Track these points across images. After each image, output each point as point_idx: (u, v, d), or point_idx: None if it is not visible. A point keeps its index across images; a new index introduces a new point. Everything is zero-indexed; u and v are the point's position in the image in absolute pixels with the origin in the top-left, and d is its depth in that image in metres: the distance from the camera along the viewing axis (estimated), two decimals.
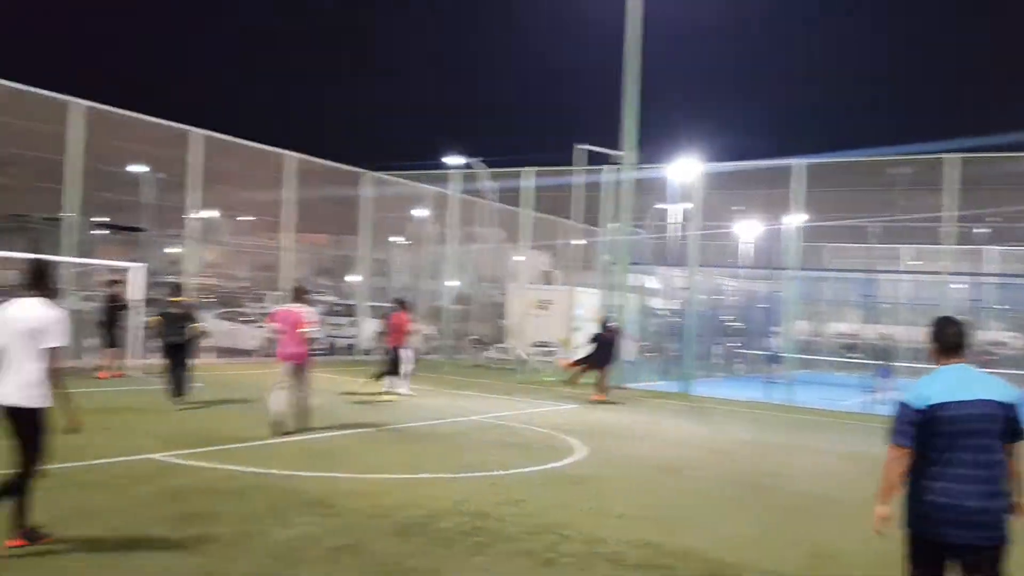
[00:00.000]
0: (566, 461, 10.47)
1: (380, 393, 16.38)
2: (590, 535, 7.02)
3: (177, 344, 13.30)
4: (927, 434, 4.17)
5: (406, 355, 16.85)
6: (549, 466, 10.05)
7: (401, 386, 16.63)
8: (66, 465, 8.39)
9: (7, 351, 5.68)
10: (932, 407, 4.16)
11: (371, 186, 27.33)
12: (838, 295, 30.50)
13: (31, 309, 5.74)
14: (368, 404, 15.13)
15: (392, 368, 16.70)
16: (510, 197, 27.98)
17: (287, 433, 10.94)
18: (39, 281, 5.94)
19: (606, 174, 23.97)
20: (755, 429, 14.86)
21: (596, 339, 18.45)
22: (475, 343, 27.50)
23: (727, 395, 20.44)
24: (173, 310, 13.80)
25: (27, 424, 5.70)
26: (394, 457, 10.09)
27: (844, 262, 29.84)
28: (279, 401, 11.20)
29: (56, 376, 5.71)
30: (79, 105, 18.97)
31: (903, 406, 4.26)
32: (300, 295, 12.04)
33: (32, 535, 5.78)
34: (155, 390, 13.67)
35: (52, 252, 22.26)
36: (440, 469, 9.47)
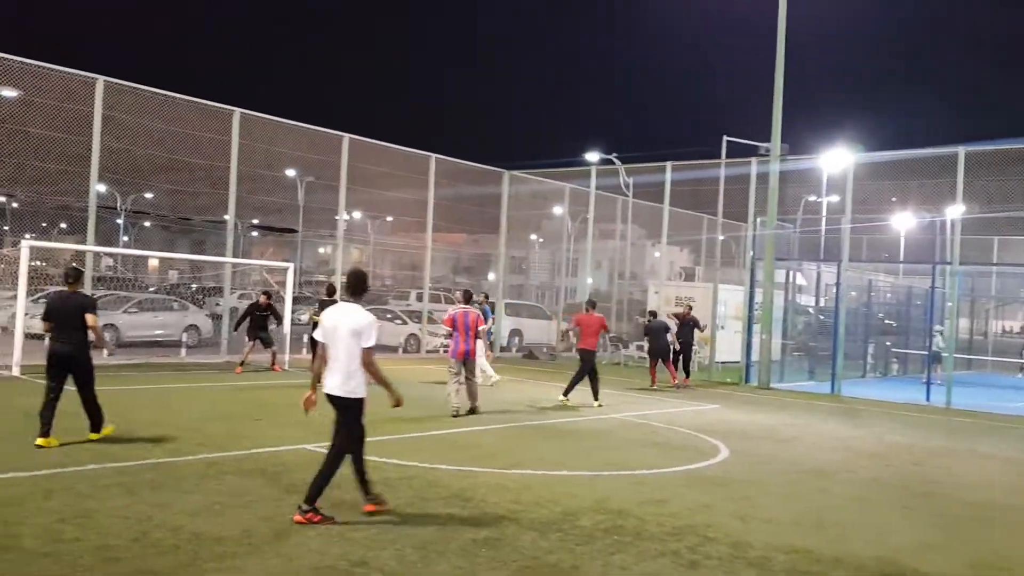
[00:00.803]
0: (710, 462, 10.20)
1: (589, 406, 14.69)
2: (736, 538, 6.80)
3: None
4: None
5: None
6: (692, 467, 9.82)
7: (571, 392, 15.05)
8: (226, 454, 8.88)
9: (332, 349, 6.66)
10: None
11: (510, 184, 27.57)
12: (1006, 291, 28.50)
13: (353, 313, 6.70)
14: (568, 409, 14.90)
15: (590, 375, 15.06)
16: (650, 192, 27.60)
17: (458, 415, 12.47)
18: (358, 288, 6.96)
19: (752, 166, 23.26)
20: (912, 432, 14.05)
21: (646, 330, 19.78)
22: (614, 341, 27.30)
23: (882, 396, 19.44)
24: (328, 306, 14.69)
25: (348, 411, 6.80)
26: (535, 453, 10.11)
27: (1011, 256, 27.86)
28: (456, 392, 12.79)
29: (372, 369, 6.72)
30: (239, 114, 20.02)
31: None
32: (468, 298, 13.79)
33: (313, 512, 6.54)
34: (294, 383, 14.21)
35: (214, 253, 23.75)
36: (581, 466, 9.42)
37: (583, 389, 15.08)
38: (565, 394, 14.89)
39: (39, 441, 8.57)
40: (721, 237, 28.88)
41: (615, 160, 29.85)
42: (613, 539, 6.57)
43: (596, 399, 14.89)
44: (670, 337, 19.13)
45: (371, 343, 6.70)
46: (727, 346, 24.79)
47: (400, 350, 24.22)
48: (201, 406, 12.31)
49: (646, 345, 20.10)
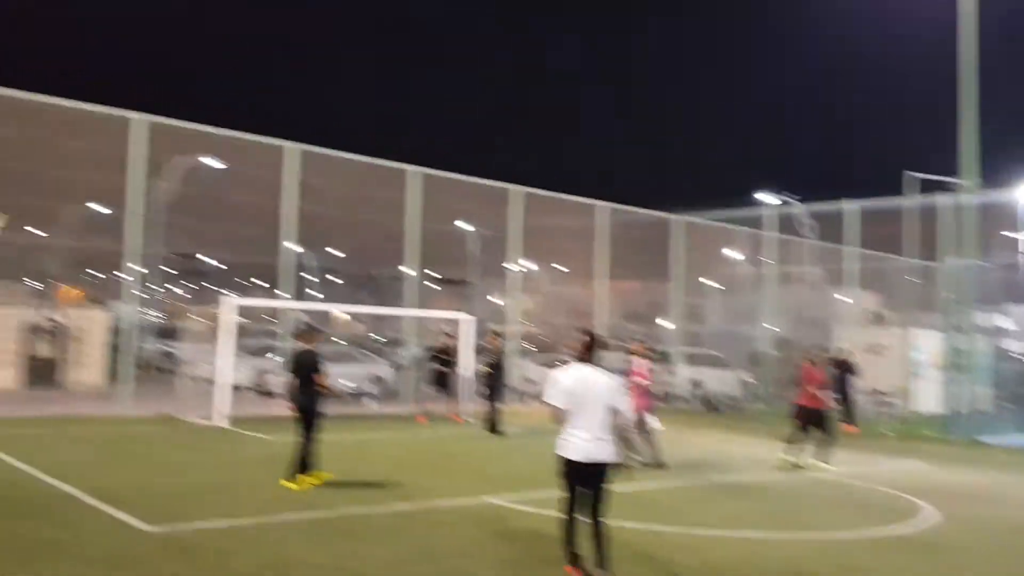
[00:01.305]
0: (913, 524, 9.47)
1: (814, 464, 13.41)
2: None
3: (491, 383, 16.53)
4: None
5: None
6: (893, 529, 9.15)
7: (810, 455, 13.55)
8: (414, 505, 9.11)
9: (583, 413, 6.44)
10: None
11: (682, 230, 27.19)
12: None
13: (599, 376, 6.53)
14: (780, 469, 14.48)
15: (823, 431, 13.60)
16: (831, 233, 26.46)
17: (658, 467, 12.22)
18: (596, 350, 6.74)
19: (942, 200, 21.87)
20: None
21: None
22: None
23: None
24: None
25: (604, 475, 6.49)
26: (720, 511, 9.75)
27: None
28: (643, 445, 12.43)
29: (624, 432, 6.65)
30: (415, 172, 20.93)
31: None
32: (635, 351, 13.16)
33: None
34: (484, 434, 14.45)
35: (395, 305, 24.72)
36: (769, 526, 8.99)
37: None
38: (821, 460, 13.36)
39: (311, 479, 9.72)
40: (915, 280, 27.21)
41: (791, 200, 28.89)
42: None
43: (819, 460, 13.43)
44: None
45: (621, 406, 6.61)
46: (925, 396, 23.17)
47: None
48: (388, 457, 12.70)
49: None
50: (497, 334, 18.35)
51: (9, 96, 15.81)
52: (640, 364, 12.78)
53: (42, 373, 19.55)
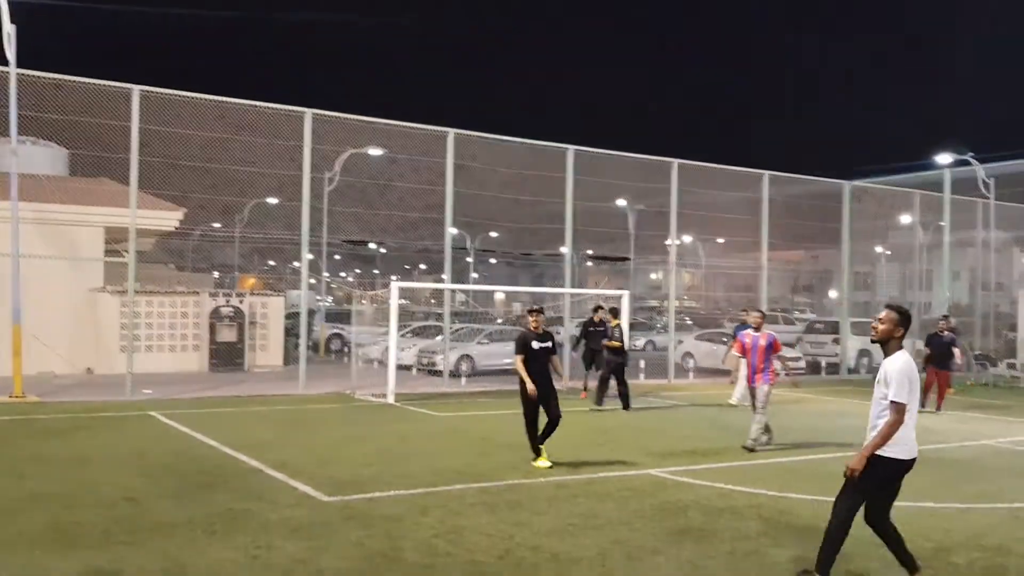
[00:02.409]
0: None
1: None
2: None
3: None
4: None
5: None
6: None
7: None
8: (575, 477, 9.26)
9: (912, 404, 5.55)
10: None
11: (851, 196, 25.97)
12: None
13: (891, 361, 5.55)
14: None
15: None
16: (1016, 192, 24.56)
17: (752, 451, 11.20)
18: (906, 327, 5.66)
19: None
20: None
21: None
22: (979, 359, 24.50)
23: None
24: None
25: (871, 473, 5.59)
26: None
27: None
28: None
29: (891, 429, 5.45)
30: (572, 151, 21.00)
31: None
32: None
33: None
34: (639, 408, 14.40)
35: (553, 284, 25.02)
36: (949, 498, 8.56)
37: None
38: None
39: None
40: None
41: (971, 159, 26.99)
42: None
43: None
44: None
45: (894, 396, 5.43)
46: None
47: (731, 374, 23.69)
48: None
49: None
50: (599, 308, 17.45)
51: (189, 98, 17.03)
52: (751, 334, 11.71)
53: (225, 356, 21.00)
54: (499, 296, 47.69)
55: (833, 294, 30.26)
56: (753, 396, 11.59)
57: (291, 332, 23.31)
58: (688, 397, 17.55)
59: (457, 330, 23.21)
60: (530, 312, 10.26)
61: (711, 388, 20.24)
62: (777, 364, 11.68)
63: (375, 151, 20.26)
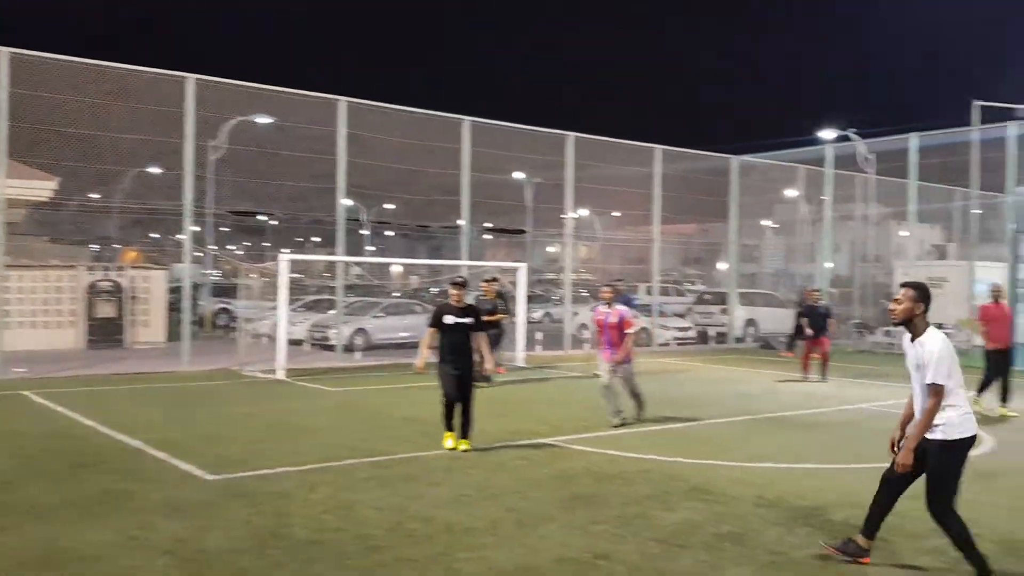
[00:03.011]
0: (973, 453, 9.30)
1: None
2: (1006, 534, 6.20)
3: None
4: None
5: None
6: None
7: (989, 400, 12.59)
8: (470, 448, 9.24)
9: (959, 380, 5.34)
10: None
11: (738, 170, 26.69)
12: None
13: (924, 342, 5.31)
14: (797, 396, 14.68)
15: (989, 377, 12.55)
16: (894, 168, 25.71)
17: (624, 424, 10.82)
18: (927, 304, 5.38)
19: (1009, 129, 21.01)
20: None
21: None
22: (858, 327, 25.70)
23: None
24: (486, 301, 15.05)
25: (932, 458, 5.37)
26: (777, 446, 9.71)
27: None
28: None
29: (929, 415, 5.25)
30: (468, 122, 20.84)
31: None
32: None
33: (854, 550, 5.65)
34: (538, 380, 14.50)
35: (451, 257, 24.89)
36: (827, 459, 8.93)
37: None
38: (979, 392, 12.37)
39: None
40: (977, 211, 26.37)
41: (852, 136, 28.09)
42: None
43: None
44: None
45: (932, 379, 5.22)
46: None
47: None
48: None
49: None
50: (494, 279, 16.11)
51: (64, 62, 16.09)
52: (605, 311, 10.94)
53: (104, 333, 20.09)
54: (396, 269, 47.24)
55: (722, 266, 31.14)
56: (615, 372, 10.79)
57: (175, 307, 22.49)
58: (584, 368, 17.77)
59: (352, 304, 22.85)
60: (452, 284, 9.48)
61: None
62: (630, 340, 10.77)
63: (263, 119, 19.63)
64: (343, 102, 19.15)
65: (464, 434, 9.09)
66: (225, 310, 26.72)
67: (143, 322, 21.02)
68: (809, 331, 16.61)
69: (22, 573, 5.22)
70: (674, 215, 26.26)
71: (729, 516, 6.67)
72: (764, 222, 32.92)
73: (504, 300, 16.46)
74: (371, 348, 21.12)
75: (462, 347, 9.06)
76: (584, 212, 31.58)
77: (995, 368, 12.50)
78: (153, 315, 21.31)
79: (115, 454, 8.69)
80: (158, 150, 18.24)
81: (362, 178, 20.22)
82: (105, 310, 20.15)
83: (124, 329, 20.36)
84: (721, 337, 26.07)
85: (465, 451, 8.93)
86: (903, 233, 27.92)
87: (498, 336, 15.47)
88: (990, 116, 25.25)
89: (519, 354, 19.00)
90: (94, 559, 5.47)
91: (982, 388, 12.47)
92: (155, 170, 20.64)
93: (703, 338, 25.90)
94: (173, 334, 20.71)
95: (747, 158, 27.06)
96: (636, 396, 11.02)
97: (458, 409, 9.09)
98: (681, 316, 26.89)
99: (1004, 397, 12.52)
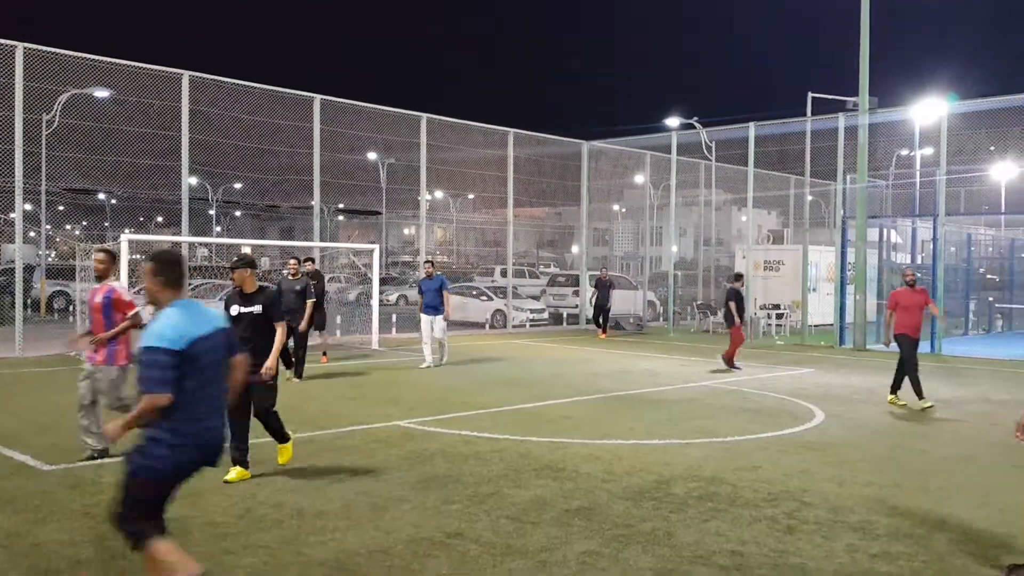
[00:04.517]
0: (804, 427, 10.00)
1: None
2: (835, 503, 6.67)
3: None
4: None
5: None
6: (786, 432, 9.65)
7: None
8: (323, 432, 9.14)
9: None
10: None
11: (589, 155, 27.35)
12: None
13: None
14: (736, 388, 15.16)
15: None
16: (734, 155, 27.03)
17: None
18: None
19: (840, 120, 22.46)
20: (1020, 390, 13.49)
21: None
22: (701, 308, 26.96)
23: (985, 354, 18.73)
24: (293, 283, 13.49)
25: None
26: (624, 423, 10.08)
27: None
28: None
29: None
30: (320, 100, 20.39)
31: None
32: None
33: None
34: (384, 362, 14.49)
35: (303, 238, 24.36)
36: (671, 435, 9.36)
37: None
38: (893, 391, 11.84)
39: None
40: (810, 197, 28.10)
41: (695, 123, 29.31)
42: (707, 506, 6.52)
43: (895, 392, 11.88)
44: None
45: None
46: (820, 309, 24.22)
47: (487, 326, 24.44)
48: (295, 389, 12.63)
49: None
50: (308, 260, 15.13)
51: None
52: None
53: None
54: (245, 250, 45.74)
55: (575, 249, 31.86)
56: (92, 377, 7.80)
57: (6, 290, 21.00)
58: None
59: (197, 287, 22.03)
60: (232, 267, 7.44)
61: (461, 340, 20.69)
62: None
63: (100, 92, 18.54)
64: (186, 76, 18.36)
65: (282, 438, 7.54)
66: (63, 293, 25.20)
67: None
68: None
69: None
70: (528, 198, 26.68)
71: (578, 492, 6.90)
72: (615, 206, 33.92)
73: (319, 282, 14.83)
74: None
75: (258, 344, 6.98)
76: (439, 194, 31.57)
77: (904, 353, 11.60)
78: None
79: None
80: None
81: (208, 156, 19.47)
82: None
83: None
84: (574, 318, 26.73)
85: (283, 464, 7.51)
86: (743, 218, 29.39)
87: (321, 322, 14.60)
88: (825, 108, 26.92)
89: (373, 336, 18.87)
90: None
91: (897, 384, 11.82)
92: None
93: (557, 319, 26.49)
94: (3, 318, 19.36)
95: (597, 143, 27.75)
96: (122, 407, 7.41)
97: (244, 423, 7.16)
98: (535, 298, 27.39)
99: (894, 387, 11.82)
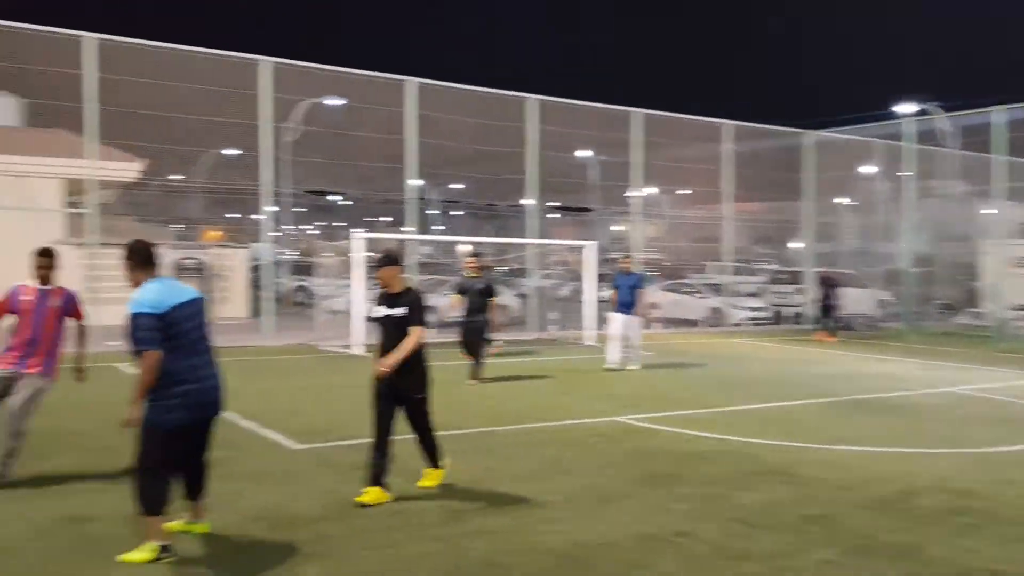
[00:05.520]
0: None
1: None
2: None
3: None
4: None
5: None
6: None
7: None
8: (544, 424, 9.28)
9: None
10: None
11: (813, 146, 26.07)
12: None
13: None
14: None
15: None
16: (978, 142, 24.80)
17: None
18: None
19: None
20: None
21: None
22: (941, 308, 24.95)
23: None
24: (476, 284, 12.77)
25: None
26: (860, 429, 9.49)
27: None
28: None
29: None
30: (534, 100, 20.77)
31: None
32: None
33: None
34: (598, 358, 14.36)
35: (516, 236, 24.92)
36: (913, 443, 8.70)
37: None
38: None
39: None
40: None
41: (930, 109, 27.14)
42: (959, 520, 5.99)
43: None
44: None
45: None
46: None
47: (703, 324, 23.89)
48: (514, 381, 12.90)
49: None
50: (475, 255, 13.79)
51: (146, 47, 16.53)
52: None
53: None
54: (463, 248, 47.48)
55: (796, 245, 30.50)
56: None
57: (256, 284, 23.02)
58: (657, 348, 17.63)
59: (423, 282, 23.06)
60: (378, 263, 6.68)
61: (675, 338, 20.39)
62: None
63: (335, 101, 19.87)
64: (412, 82, 19.26)
65: (432, 461, 6.72)
66: (302, 287, 27.28)
67: (225, 298, 21.58)
68: None
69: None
70: (743, 192, 25.81)
71: (813, 498, 6.56)
72: (840, 200, 32.11)
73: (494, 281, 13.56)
74: (442, 326, 21.25)
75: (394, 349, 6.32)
76: (652, 190, 31.22)
77: None
78: (234, 292, 21.87)
79: None
80: (236, 132, 18.60)
81: (430, 157, 20.35)
82: (200, 294, 20.71)
83: (208, 305, 20.92)
84: (797, 317, 25.57)
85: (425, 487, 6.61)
86: (988, 211, 26.91)
87: (479, 330, 12.61)
88: None
89: (587, 332, 18.95)
90: None
91: None
92: (233, 151, 21.09)
93: (777, 318, 25.45)
94: (254, 310, 21.22)
95: (821, 133, 26.37)
96: (15, 436, 6.54)
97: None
98: (755, 295, 26.48)
99: None
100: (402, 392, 6.39)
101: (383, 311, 6.47)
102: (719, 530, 5.73)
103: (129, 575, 4.76)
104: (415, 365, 6.38)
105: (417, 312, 6.43)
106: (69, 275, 19.17)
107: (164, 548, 4.94)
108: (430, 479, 6.67)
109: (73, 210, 18.90)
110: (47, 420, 8.59)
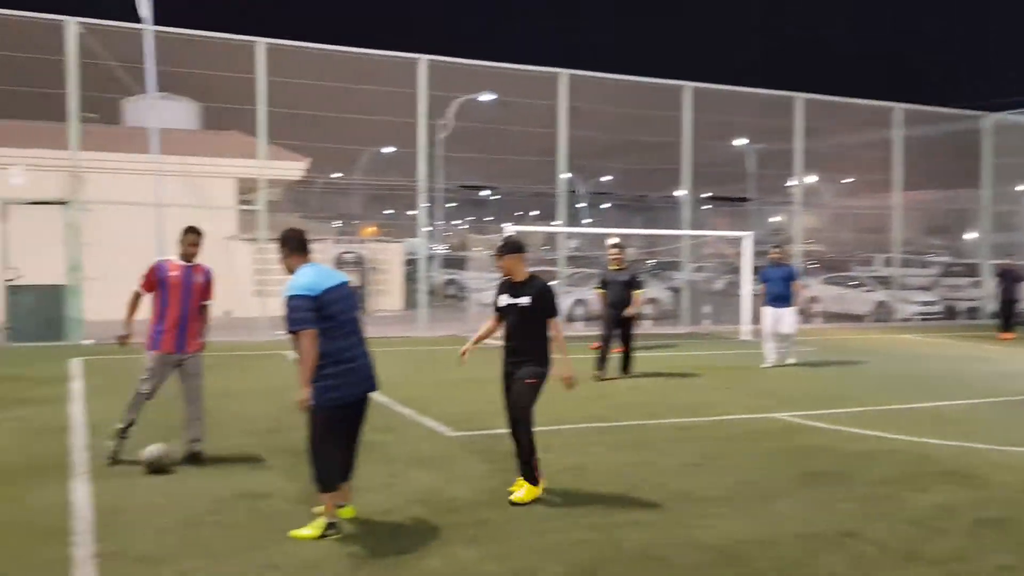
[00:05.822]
0: None
1: None
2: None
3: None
4: None
5: None
6: None
7: None
8: (697, 419, 9.11)
9: None
10: None
11: (991, 129, 24.32)
12: None
13: None
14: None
15: None
16: None
17: None
18: None
19: None
20: None
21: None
22: None
23: None
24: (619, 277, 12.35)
25: None
26: None
27: None
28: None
29: None
30: (689, 88, 20.34)
31: None
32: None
33: None
34: (756, 353, 13.94)
35: (667, 227, 24.53)
36: None
37: None
38: None
39: None
40: None
41: None
42: None
43: None
44: None
45: None
46: None
47: (869, 319, 22.78)
48: (667, 377, 12.72)
49: None
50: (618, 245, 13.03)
51: (310, 49, 17.31)
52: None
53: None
54: (610, 241, 47.11)
55: (971, 235, 28.59)
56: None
57: (411, 277, 23.75)
58: (819, 343, 16.95)
59: (572, 275, 23.09)
60: (498, 250, 6.46)
61: (838, 333, 19.55)
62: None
63: (487, 96, 20.15)
64: (564, 75, 19.27)
65: (524, 473, 6.13)
66: (452, 281, 27.90)
67: (382, 291, 22.41)
68: None
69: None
70: (913, 179, 24.38)
71: (992, 501, 6.14)
72: (1021, 187, 29.84)
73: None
74: (592, 319, 21.23)
75: (520, 339, 6.24)
76: (812, 178, 29.98)
77: None
78: (391, 285, 22.67)
79: (370, 408, 9.30)
80: (393, 130, 19.20)
81: (581, 149, 20.29)
82: (350, 279, 21.64)
83: (366, 297, 21.78)
84: (972, 312, 23.97)
85: (516, 503, 5.97)
86: None
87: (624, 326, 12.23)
88: None
89: (743, 327, 18.44)
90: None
91: None
92: (390, 149, 21.79)
93: (950, 313, 23.93)
94: (409, 302, 21.89)
95: (1002, 115, 24.56)
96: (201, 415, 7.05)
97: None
98: (926, 289, 25.02)
99: None
100: (514, 375, 6.16)
101: (507, 299, 6.26)
102: (888, 531, 5.45)
103: (299, 549, 5.01)
104: (537, 352, 6.17)
105: (549, 302, 6.19)
106: (241, 268, 20.51)
107: (330, 525, 5.19)
108: (523, 491, 6.01)
109: (244, 207, 20.07)
110: (222, 402, 9.19)
